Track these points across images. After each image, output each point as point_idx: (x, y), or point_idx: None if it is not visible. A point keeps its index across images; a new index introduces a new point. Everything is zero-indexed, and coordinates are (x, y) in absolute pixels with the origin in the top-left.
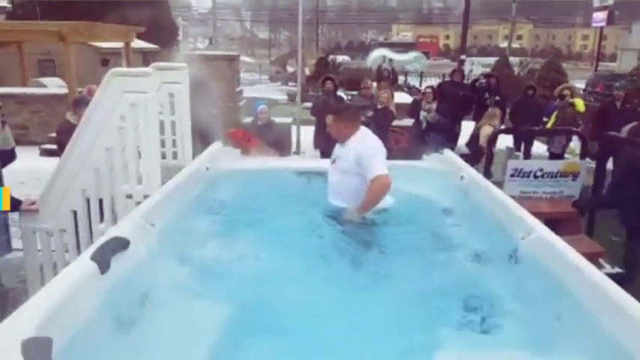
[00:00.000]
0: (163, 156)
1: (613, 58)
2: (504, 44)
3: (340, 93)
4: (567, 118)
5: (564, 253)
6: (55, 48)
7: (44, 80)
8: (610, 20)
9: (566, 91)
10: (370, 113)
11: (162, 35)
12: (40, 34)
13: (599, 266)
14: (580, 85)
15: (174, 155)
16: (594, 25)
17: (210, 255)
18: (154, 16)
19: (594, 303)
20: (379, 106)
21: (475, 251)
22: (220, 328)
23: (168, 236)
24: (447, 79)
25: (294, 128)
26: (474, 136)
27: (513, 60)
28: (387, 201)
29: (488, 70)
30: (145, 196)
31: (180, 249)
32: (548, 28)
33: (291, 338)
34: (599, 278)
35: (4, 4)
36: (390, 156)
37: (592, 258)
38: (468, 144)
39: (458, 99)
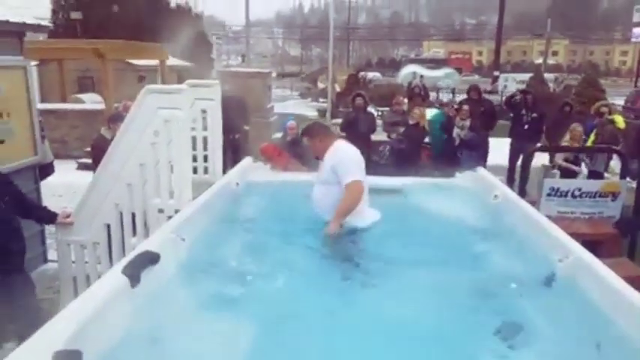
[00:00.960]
0: (195, 171)
1: None
2: (539, 60)
3: (371, 109)
4: (608, 136)
5: (604, 277)
6: (94, 65)
7: (83, 96)
8: None
9: (604, 109)
10: (402, 129)
11: (197, 53)
12: (79, 51)
13: None
14: (619, 101)
15: (206, 170)
16: (634, 40)
17: (238, 270)
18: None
19: (637, 331)
20: (411, 122)
21: (509, 274)
22: (248, 343)
23: (197, 251)
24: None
25: None
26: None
27: (548, 76)
28: (370, 216)
29: (522, 86)
30: (176, 211)
31: (209, 264)
32: (586, 44)
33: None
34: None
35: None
36: (423, 173)
37: (634, 282)
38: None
39: (477, 116)
